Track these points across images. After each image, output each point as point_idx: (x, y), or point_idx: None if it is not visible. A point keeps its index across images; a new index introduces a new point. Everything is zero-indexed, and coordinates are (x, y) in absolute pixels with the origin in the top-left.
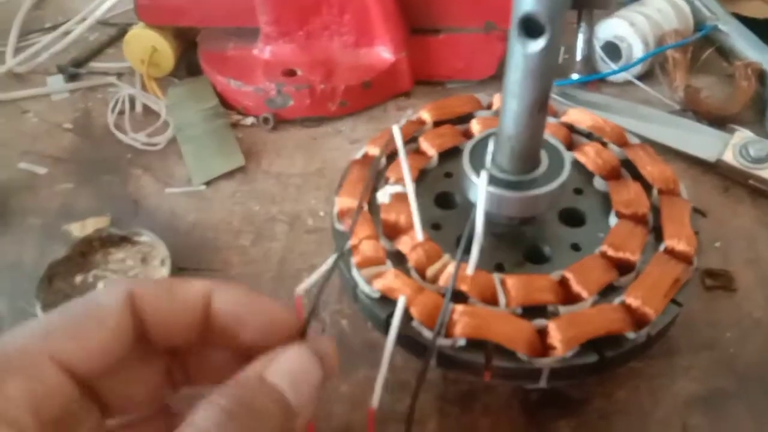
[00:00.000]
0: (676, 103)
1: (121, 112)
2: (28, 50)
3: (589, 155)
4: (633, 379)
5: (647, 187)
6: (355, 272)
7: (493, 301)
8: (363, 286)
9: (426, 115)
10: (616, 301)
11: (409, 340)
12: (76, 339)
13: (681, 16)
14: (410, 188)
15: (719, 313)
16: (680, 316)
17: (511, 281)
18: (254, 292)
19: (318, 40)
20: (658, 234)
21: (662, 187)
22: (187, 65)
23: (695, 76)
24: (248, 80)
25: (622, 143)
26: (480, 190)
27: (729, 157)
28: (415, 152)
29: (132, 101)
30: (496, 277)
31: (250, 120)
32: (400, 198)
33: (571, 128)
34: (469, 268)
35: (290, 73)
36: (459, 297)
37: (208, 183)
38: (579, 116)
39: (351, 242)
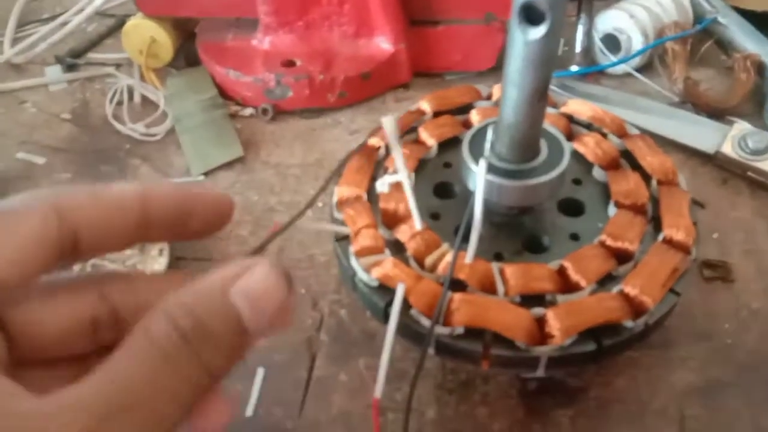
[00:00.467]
0: (675, 95)
1: (120, 103)
2: (26, 40)
3: (588, 145)
4: (631, 368)
5: (646, 177)
6: (353, 261)
7: (491, 289)
8: (361, 274)
9: (426, 106)
10: (615, 290)
11: (407, 329)
12: None
13: (680, 9)
14: (405, 177)
15: (717, 303)
16: (678, 306)
17: (510, 270)
18: (186, 186)
19: (317, 31)
20: (657, 224)
21: (661, 177)
22: (186, 56)
23: (694, 69)
24: (247, 71)
25: (622, 134)
26: (479, 178)
27: (728, 148)
28: (415, 142)
29: (130, 92)
30: (495, 265)
31: (249, 111)
32: (399, 187)
33: (570, 119)
34: (468, 257)
35: (289, 63)
36: (458, 285)
37: (206, 173)
38: (579, 107)
39: (351, 230)
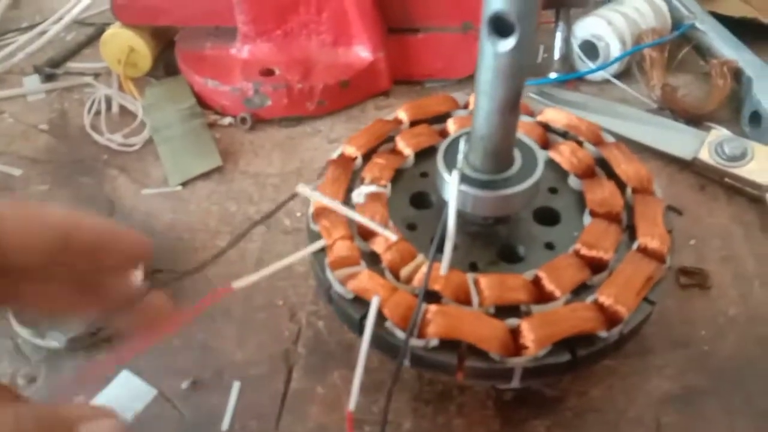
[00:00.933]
0: (653, 101)
1: (98, 113)
2: (3, 50)
3: (564, 154)
4: (608, 377)
5: (622, 185)
6: (328, 273)
7: (466, 300)
8: (337, 286)
9: (403, 115)
10: (589, 299)
11: (383, 341)
12: None
13: (659, 15)
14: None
15: (694, 310)
16: (655, 314)
17: (485, 281)
18: (111, 221)
19: (296, 39)
20: (632, 232)
21: (636, 185)
22: (165, 65)
23: (673, 75)
24: (226, 80)
25: (598, 142)
26: (451, 189)
27: (705, 155)
28: (392, 152)
29: (108, 102)
30: (470, 276)
31: (227, 120)
32: (375, 198)
33: (546, 127)
34: (442, 269)
35: (268, 72)
36: (433, 297)
37: (184, 183)
38: (554, 115)
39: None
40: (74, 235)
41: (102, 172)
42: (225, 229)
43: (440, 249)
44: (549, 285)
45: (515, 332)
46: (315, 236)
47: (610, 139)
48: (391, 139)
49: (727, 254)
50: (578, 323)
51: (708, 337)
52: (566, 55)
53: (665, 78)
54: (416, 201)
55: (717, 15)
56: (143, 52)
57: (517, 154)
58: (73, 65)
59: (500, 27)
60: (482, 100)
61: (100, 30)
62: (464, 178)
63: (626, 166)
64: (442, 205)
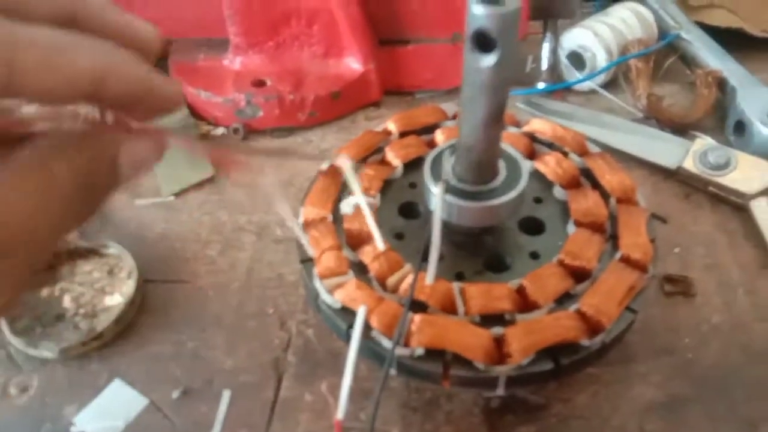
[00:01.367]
0: (639, 110)
1: None
2: None
3: (549, 165)
4: (592, 384)
5: (606, 195)
6: (317, 282)
7: (452, 310)
8: (325, 296)
9: (392, 126)
10: (572, 308)
11: (370, 350)
12: None
13: (645, 25)
14: (362, 200)
15: (678, 318)
16: (639, 322)
17: (470, 290)
18: (149, 71)
19: (288, 51)
20: (615, 242)
21: (620, 195)
22: None
23: (658, 84)
24: (218, 91)
25: (583, 152)
26: (436, 200)
27: (689, 164)
28: (381, 163)
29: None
30: (456, 286)
31: (220, 130)
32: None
33: (532, 138)
34: (428, 278)
35: (260, 83)
36: (419, 306)
37: (177, 194)
38: (540, 126)
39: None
40: (105, 86)
41: None
42: (216, 238)
43: (426, 259)
44: (533, 294)
45: (500, 341)
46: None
47: (595, 149)
48: (380, 149)
49: (711, 262)
50: (561, 332)
51: (692, 345)
52: (554, 66)
53: (651, 87)
54: (404, 211)
55: (703, 25)
56: None
57: (502, 165)
58: None
59: (482, 43)
60: (466, 113)
61: None
62: (450, 189)
63: (610, 177)
64: (430, 215)
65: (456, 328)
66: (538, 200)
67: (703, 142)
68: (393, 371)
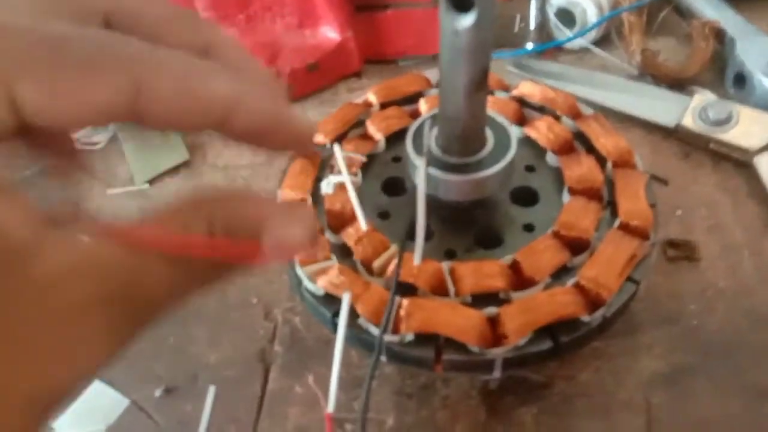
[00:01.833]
0: (633, 67)
1: None
2: None
3: (540, 130)
4: (595, 359)
5: (601, 160)
6: (298, 269)
7: (442, 291)
8: (307, 283)
9: (372, 97)
10: (570, 282)
11: (358, 338)
12: None
13: None
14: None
15: (682, 284)
16: (642, 290)
17: (460, 269)
18: (282, 103)
19: (260, 24)
20: (613, 208)
21: (616, 159)
22: None
23: (653, 39)
24: None
25: (575, 115)
26: (420, 175)
27: (689, 121)
28: (362, 137)
29: None
30: (445, 265)
31: None
32: (345, 187)
33: (522, 102)
34: (415, 259)
35: None
36: (408, 289)
37: (151, 181)
38: (529, 89)
39: None
40: (236, 116)
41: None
42: None
43: (413, 238)
44: (527, 270)
45: (494, 321)
46: None
47: (588, 111)
48: (361, 123)
49: (715, 223)
50: (558, 309)
51: (697, 312)
52: (542, 24)
53: (645, 42)
54: (389, 188)
55: None
56: None
57: (489, 134)
58: None
59: (459, 1)
60: (446, 81)
61: None
62: (434, 162)
63: (605, 140)
64: (416, 191)
65: (447, 310)
66: (530, 168)
67: (702, 97)
68: (383, 359)
